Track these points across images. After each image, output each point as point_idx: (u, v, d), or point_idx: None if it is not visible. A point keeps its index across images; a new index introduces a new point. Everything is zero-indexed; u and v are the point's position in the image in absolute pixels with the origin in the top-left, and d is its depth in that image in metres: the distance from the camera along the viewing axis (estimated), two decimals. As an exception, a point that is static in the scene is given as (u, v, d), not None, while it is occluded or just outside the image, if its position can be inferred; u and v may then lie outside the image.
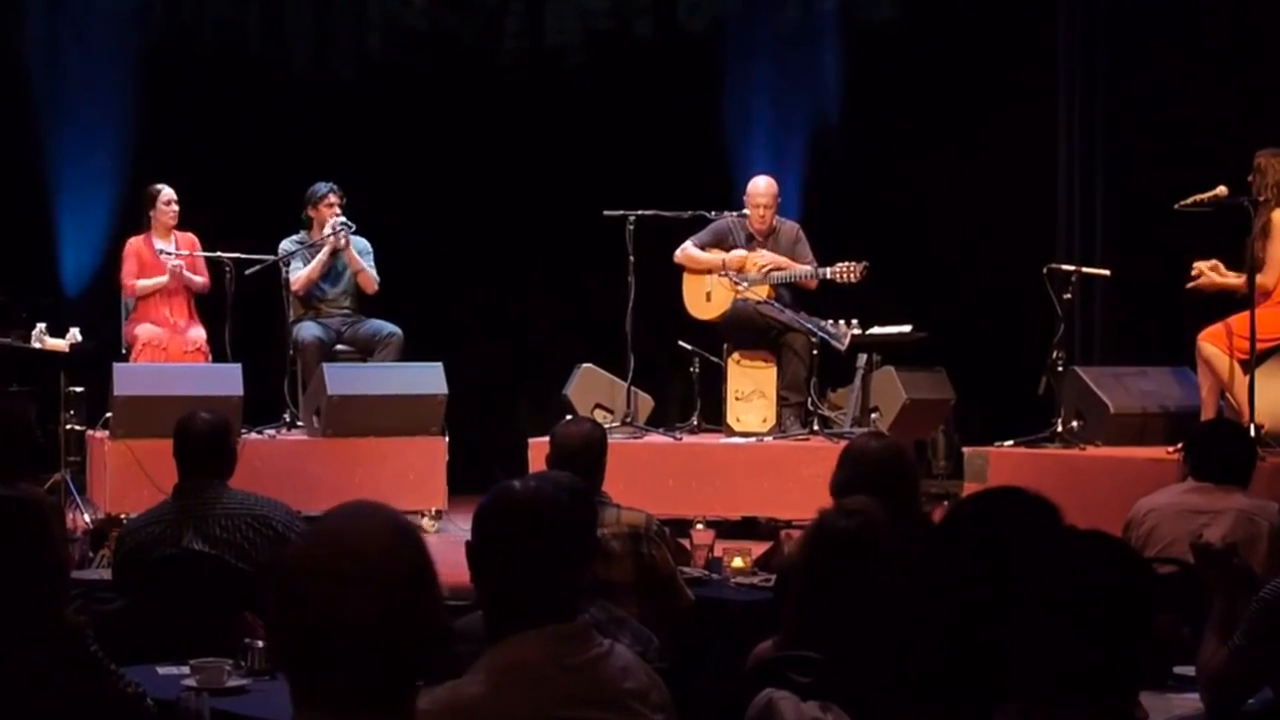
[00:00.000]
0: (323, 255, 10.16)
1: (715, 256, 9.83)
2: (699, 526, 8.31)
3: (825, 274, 9.55)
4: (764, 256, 9.72)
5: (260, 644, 4.42)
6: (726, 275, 9.69)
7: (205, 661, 4.38)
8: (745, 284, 9.64)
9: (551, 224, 11.78)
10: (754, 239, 9.83)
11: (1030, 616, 2.64)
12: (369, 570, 2.23)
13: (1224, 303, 8.66)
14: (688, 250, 9.92)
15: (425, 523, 9.49)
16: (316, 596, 2.22)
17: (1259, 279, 8.38)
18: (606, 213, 9.75)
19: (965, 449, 9.21)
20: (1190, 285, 8.69)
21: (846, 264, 9.46)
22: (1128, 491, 6.84)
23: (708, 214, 9.85)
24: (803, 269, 9.67)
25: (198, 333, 10.20)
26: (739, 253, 9.76)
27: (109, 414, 9.34)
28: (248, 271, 9.92)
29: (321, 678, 2.23)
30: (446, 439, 9.65)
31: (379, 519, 2.31)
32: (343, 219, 10.11)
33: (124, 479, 8.99)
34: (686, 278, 9.97)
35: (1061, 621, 2.60)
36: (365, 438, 9.51)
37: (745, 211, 9.83)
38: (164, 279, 10.12)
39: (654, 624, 4.68)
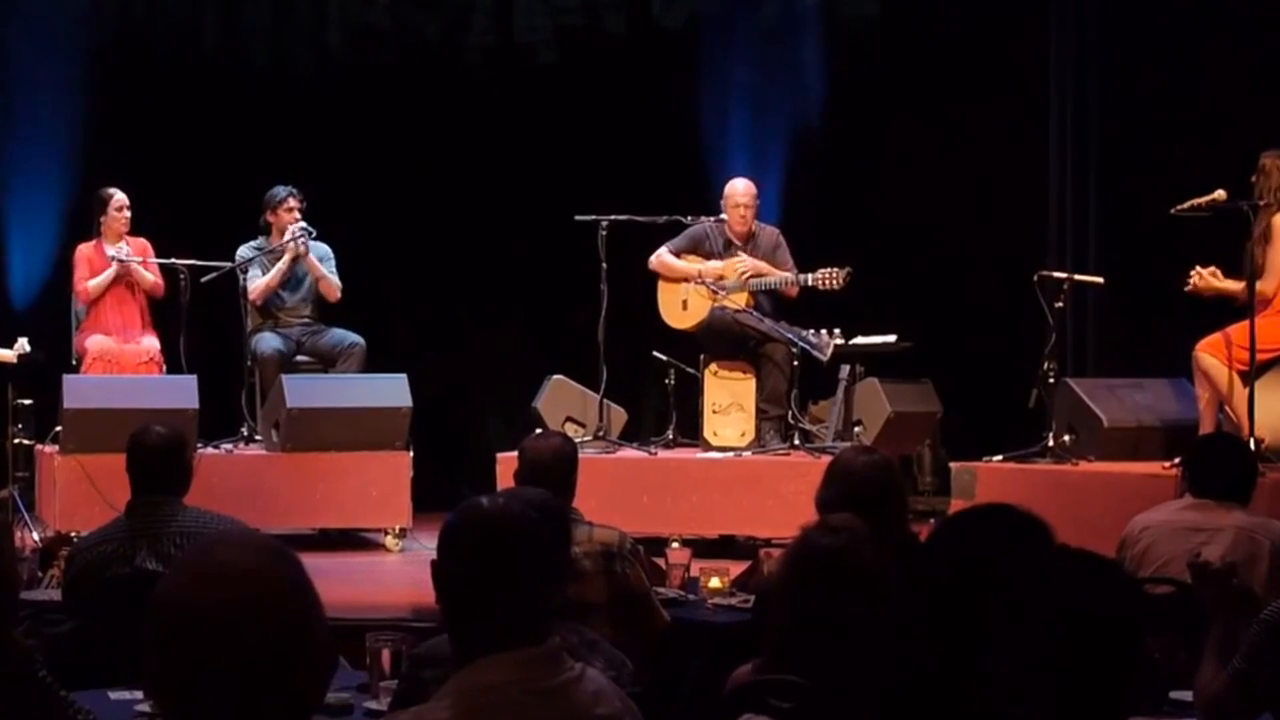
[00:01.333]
0: (282, 264, 10.09)
1: (691, 264, 9.71)
2: (674, 545, 8.21)
3: (807, 280, 9.45)
4: (744, 261, 9.56)
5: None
6: (703, 283, 9.54)
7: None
8: (723, 291, 9.47)
9: (521, 229, 11.77)
10: (732, 245, 9.72)
11: (1018, 638, 2.60)
12: (245, 601, 2.14)
13: (1222, 312, 8.59)
14: (663, 257, 9.82)
15: (389, 541, 9.54)
16: (192, 634, 2.13)
17: (1259, 285, 8.33)
18: (578, 217, 9.66)
19: (952, 464, 9.15)
20: (1188, 289, 8.62)
21: (829, 270, 9.35)
22: (1122, 508, 6.84)
23: (684, 219, 9.76)
24: (783, 275, 9.58)
25: (151, 343, 10.08)
26: (715, 265, 9.64)
27: (59, 428, 9.28)
28: (203, 279, 9.83)
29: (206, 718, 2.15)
30: (411, 454, 9.56)
31: (251, 545, 2.23)
32: (303, 224, 10.02)
33: (74, 495, 8.93)
34: (661, 285, 9.87)
35: (1049, 643, 2.56)
36: (326, 452, 9.42)
37: (723, 216, 9.73)
38: (113, 269, 9.97)
39: (628, 647, 4.59)
